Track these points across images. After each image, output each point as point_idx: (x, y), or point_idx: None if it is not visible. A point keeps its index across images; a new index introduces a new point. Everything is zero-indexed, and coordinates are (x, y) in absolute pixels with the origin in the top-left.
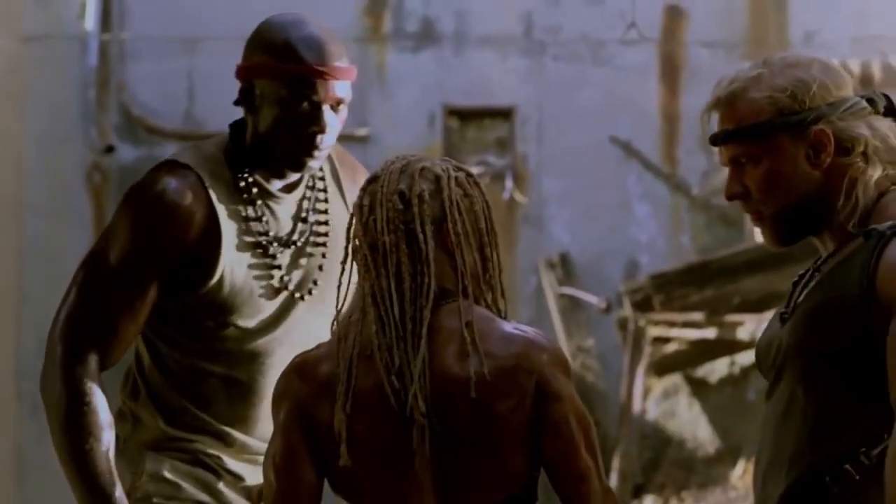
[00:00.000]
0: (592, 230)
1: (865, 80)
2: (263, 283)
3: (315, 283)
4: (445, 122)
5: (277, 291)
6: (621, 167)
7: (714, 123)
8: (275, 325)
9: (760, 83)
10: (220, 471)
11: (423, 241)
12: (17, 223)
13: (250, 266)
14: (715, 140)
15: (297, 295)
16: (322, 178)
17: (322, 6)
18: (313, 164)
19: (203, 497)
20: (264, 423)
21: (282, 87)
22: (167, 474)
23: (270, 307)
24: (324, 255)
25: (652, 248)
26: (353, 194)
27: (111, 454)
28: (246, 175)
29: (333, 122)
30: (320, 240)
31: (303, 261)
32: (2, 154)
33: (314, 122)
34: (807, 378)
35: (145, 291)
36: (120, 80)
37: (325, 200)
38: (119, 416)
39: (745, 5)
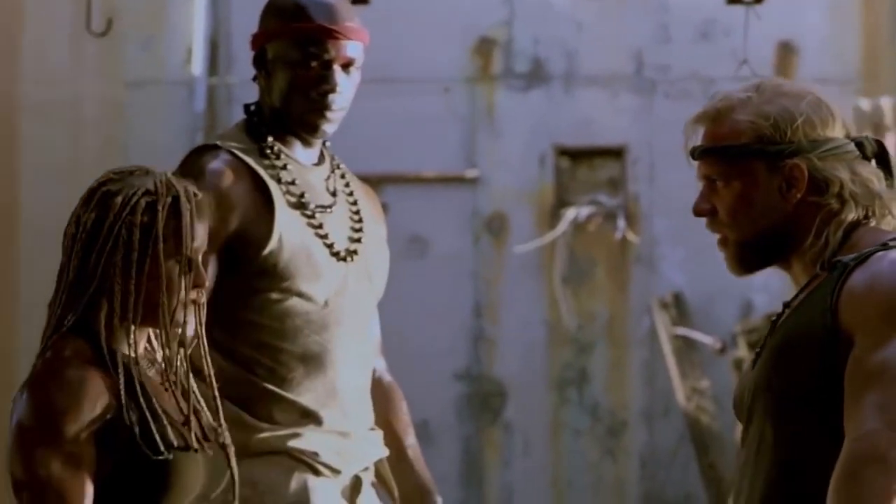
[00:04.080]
0: (706, 269)
1: None
2: (317, 244)
3: (356, 251)
4: (556, 162)
5: (329, 254)
6: None
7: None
8: (335, 292)
9: (747, 106)
10: (316, 467)
11: (66, 269)
12: None
13: (300, 226)
14: (693, 153)
15: (347, 259)
16: (339, 167)
17: (431, 46)
18: (327, 127)
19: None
20: (344, 397)
21: (292, 47)
22: (262, 497)
23: (328, 271)
24: (360, 230)
25: (767, 288)
26: (364, 201)
27: None
28: (271, 143)
29: (345, 82)
30: (356, 217)
31: (341, 229)
32: None
33: (324, 82)
34: (775, 416)
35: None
36: (228, 125)
37: (349, 185)
38: None
39: (857, 41)
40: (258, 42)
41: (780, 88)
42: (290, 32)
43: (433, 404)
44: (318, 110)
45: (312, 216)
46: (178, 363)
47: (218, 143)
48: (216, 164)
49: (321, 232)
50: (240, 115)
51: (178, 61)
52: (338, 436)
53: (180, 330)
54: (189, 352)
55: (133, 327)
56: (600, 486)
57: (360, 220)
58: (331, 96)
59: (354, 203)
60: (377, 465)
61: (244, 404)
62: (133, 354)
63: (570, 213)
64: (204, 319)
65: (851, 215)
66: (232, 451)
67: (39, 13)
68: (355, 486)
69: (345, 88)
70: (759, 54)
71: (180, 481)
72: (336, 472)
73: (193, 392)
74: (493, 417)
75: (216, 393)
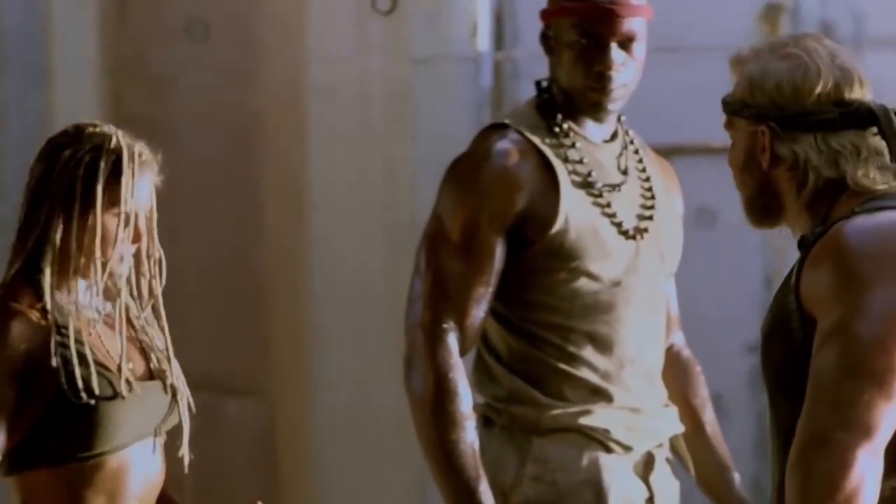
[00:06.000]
0: None
1: None
2: (604, 223)
3: (646, 229)
4: None
5: (618, 233)
6: None
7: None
8: (625, 271)
9: (749, 63)
10: (608, 444)
11: (20, 216)
12: (412, 249)
13: (587, 206)
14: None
15: (636, 237)
16: (633, 142)
17: (718, 14)
18: (609, 104)
19: (587, 497)
20: (635, 374)
21: (570, 27)
22: (553, 475)
23: (617, 250)
24: (651, 207)
25: None
26: (658, 177)
27: (476, 445)
28: (559, 121)
29: (623, 59)
30: (647, 194)
31: (630, 207)
32: (395, 179)
33: (600, 60)
34: (770, 397)
35: (493, 258)
36: (514, 100)
37: (642, 161)
38: (491, 410)
39: None
40: (543, 20)
41: (781, 49)
42: (567, 12)
43: (726, 377)
44: (597, 89)
45: (599, 195)
46: (118, 311)
47: (507, 122)
48: (503, 144)
49: (609, 211)
50: (526, 90)
51: (463, 37)
52: (629, 412)
53: (119, 280)
54: (147, 308)
55: (73, 275)
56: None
57: (651, 197)
58: (608, 73)
59: (647, 180)
60: (672, 440)
61: (535, 382)
62: (74, 301)
63: None
64: (162, 277)
65: (812, 187)
66: (182, 396)
67: None
68: (648, 462)
69: (624, 65)
70: None
71: (106, 426)
72: (628, 448)
73: (143, 338)
74: None
75: (168, 344)
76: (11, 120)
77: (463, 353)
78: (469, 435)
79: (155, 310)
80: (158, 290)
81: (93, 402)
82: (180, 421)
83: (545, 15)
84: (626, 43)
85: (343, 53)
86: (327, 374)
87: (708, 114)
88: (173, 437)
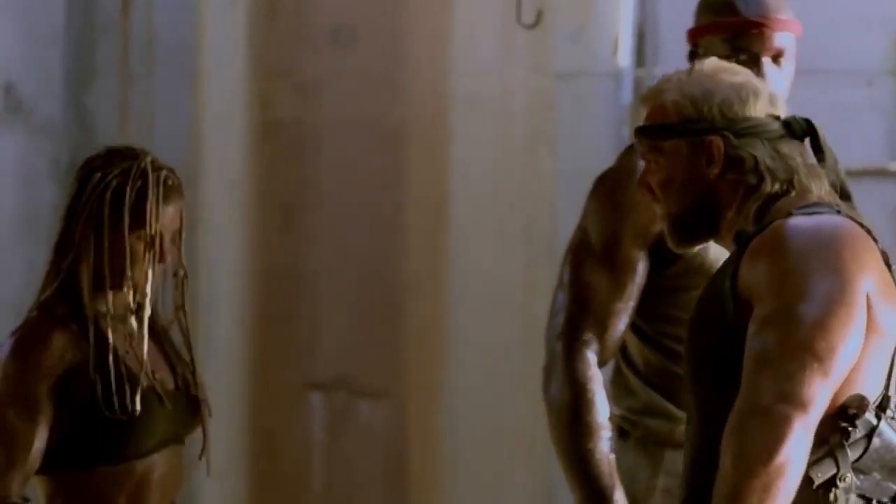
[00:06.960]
0: None
1: None
2: None
3: None
4: None
5: None
6: None
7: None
8: None
9: (675, 88)
10: None
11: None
12: (552, 261)
13: None
14: (634, 133)
15: None
16: None
17: (854, 38)
18: None
19: None
20: None
21: (720, 43)
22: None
23: None
24: None
25: None
26: None
27: (612, 456)
28: None
29: (775, 74)
30: None
31: None
32: (535, 191)
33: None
34: (689, 382)
35: (635, 273)
36: None
37: None
38: (626, 422)
39: None
40: (691, 39)
41: (707, 71)
42: (717, 28)
43: None
44: None
45: None
46: (139, 326)
47: None
48: None
49: None
50: None
51: (605, 52)
52: None
53: (145, 296)
54: (170, 325)
55: (106, 292)
56: None
57: None
58: None
59: None
60: None
61: (670, 395)
62: (108, 317)
63: None
64: (188, 295)
65: (769, 190)
66: (206, 406)
67: (469, 6)
68: None
69: (775, 80)
70: None
71: (137, 436)
72: None
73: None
74: None
75: (193, 355)
76: (159, 122)
77: (601, 364)
78: (605, 444)
79: (181, 323)
80: (185, 312)
81: (124, 417)
82: (203, 430)
83: (694, 33)
84: (777, 58)
85: (487, 65)
86: (460, 379)
87: (845, 136)
88: (305, 443)
